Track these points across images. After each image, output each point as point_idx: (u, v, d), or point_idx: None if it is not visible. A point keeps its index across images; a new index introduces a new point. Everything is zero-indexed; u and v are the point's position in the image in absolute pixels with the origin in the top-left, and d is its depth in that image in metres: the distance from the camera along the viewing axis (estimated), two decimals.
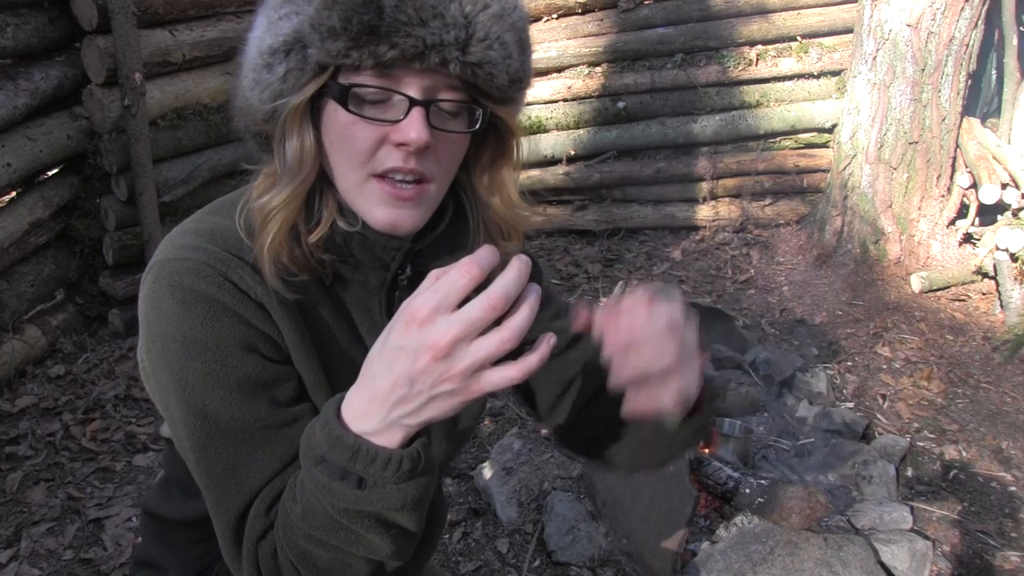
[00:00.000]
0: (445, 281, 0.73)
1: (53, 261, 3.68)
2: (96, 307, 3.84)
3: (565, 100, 5.22)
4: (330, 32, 0.84)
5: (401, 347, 0.73)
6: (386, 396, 0.75)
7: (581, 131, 5.25)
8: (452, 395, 0.74)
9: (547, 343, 0.75)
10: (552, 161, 5.23)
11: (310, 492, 0.83)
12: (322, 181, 0.96)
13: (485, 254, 0.73)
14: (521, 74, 0.93)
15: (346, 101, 0.88)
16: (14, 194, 3.60)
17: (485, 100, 0.93)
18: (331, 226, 0.96)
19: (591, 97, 5.20)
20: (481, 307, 0.71)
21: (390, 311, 1.04)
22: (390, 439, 0.78)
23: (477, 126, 0.93)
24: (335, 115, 0.90)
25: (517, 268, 0.72)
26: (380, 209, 0.92)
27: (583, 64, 5.22)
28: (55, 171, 3.73)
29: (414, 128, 0.87)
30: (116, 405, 3.32)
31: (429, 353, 0.71)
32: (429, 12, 0.84)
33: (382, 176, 0.91)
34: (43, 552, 2.57)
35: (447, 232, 1.04)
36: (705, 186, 5.14)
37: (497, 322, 0.73)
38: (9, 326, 3.38)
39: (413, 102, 0.87)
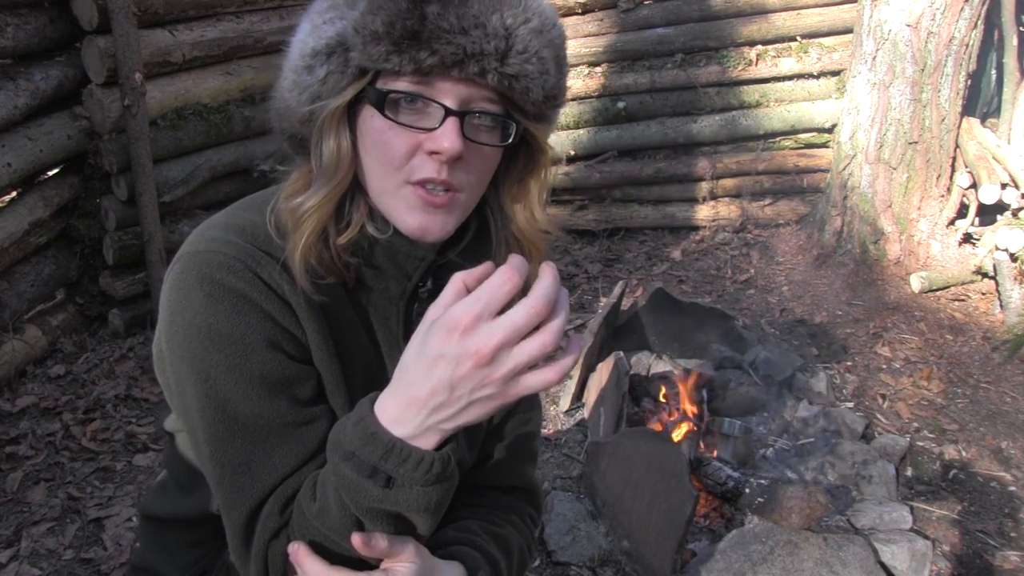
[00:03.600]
0: (487, 289, 0.74)
1: (53, 261, 3.68)
2: (96, 307, 3.84)
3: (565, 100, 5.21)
4: (373, 36, 0.85)
5: (441, 354, 0.74)
6: (424, 402, 0.77)
7: (581, 131, 5.25)
8: (490, 399, 0.75)
9: (576, 344, 0.77)
10: (552, 161, 5.22)
11: (332, 489, 0.84)
12: (354, 184, 0.96)
13: (520, 262, 0.75)
14: (556, 91, 0.95)
15: (383, 106, 0.89)
16: (14, 194, 3.60)
17: (519, 115, 0.94)
18: (359, 230, 0.96)
19: (591, 97, 5.20)
20: (526, 313, 0.72)
21: (407, 322, 1.05)
22: (424, 443, 0.79)
23: (510, 140, 0.94)
24: (371, 120, 0.91)
25: (552, 274, 0.75)
26: (411, 214, 0.93)
27: (583, 64, 5.22)
28: (55, 171, 3.72)
29: (447, 138, 0.88)
30: (116, 405, 3.32)
31: (472, 360, 0.73)
32: (471, 21, 0.85)
33: (415, 184, 0.92)
34: (43, 552, 2.57)
35: (469, 247, 1.05)
36: (705, 186, 5.14)
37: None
38: (9, 326, 3.38)
39: (448, 112, 0.88)
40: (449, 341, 0.74)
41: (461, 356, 0.73)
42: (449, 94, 0.88)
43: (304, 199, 0.93)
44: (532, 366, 0.74)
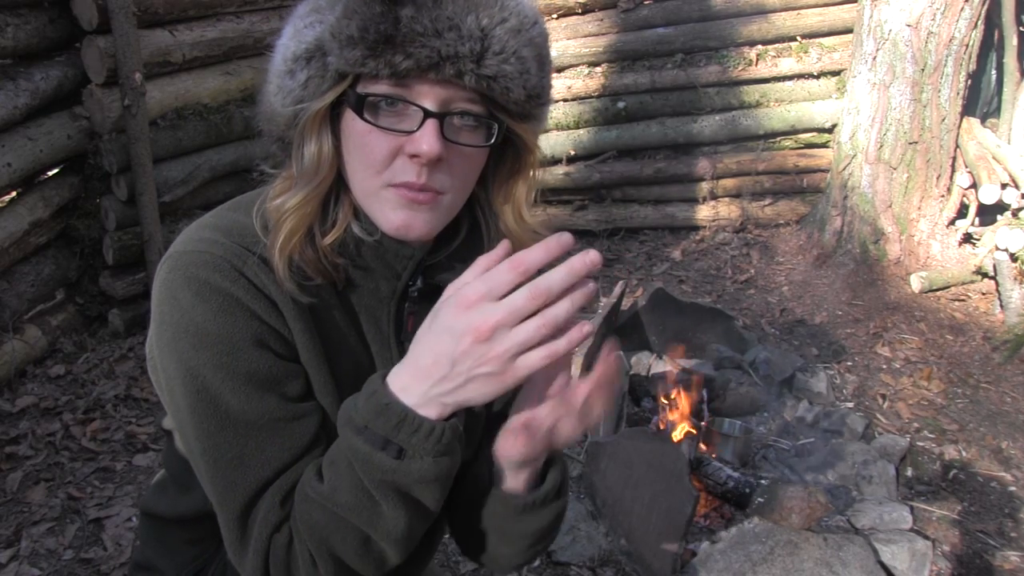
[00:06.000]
0: (494, 272, 0.77)
1: (53, 261, 3.68)
2: (96, 307, 3.84)
3: (565, 100, 5.22)
4: (348, 41, 0.86)
5: (448, 328, 0.78)
6: (428, 372, 0.80)
7: (581, 131, 5.25)
8: (490, 378, 0.78)
9: (578, 330, 0.78)
10: (552, 161, 5.23)
11: (343, 466, 0.86)
12: (339, 185, 0.97)
13: (535, 254, 0.76)
14: (539, 90, 0.94)
15: (362, 110, 0.89)
16: (14, 194, 3.59)
17: (502, 115, 0.93)
18: (345, 230, 0.97)
19: (591, 97, 5.20)
20: (524, 296, 0.75)
21: (398, 321, 1.05)
22: (427, 414, 0.82)
23: (492, 140, 0.94)
24: (352, 123, 0.91)
25: (569, 266, 0.76)
26: (394, 213, 0.93)
27: (583, 64, 5.22)
28: (55, 171, 3.72)
29: (426, 140, 0.88)
30: (116, 405, 3.32)
31: (472, 335, 0.76)
32: (445, 24, 0.85)
33: (396, 186, 0.92)
34: (43, 552, 2.57)
35: (461, 247, 1.05)
36: (705, 186, 5.14)
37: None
38: (9, 326, 3.38)
39: (428, 114, 0.88)
40: (456, 316, 0.77)
41: (464, 331, 0.76)
42: (428, 96, 0.88)
43: (284, 200, 0.93)
44: (529, 349, 0.76)
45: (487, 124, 0.93)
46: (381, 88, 0.88)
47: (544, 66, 0.94)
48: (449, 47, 0.85)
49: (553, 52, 5.32)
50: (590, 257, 0.75)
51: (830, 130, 5.00)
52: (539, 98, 0.95)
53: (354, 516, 0.87)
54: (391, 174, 0.91)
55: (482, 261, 0.80)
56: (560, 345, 0.76)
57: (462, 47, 0.85)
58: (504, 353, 0.76)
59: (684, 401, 3.04)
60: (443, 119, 0.89)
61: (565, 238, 0.77)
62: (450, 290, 0.81)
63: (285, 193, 0.95)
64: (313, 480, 0.90)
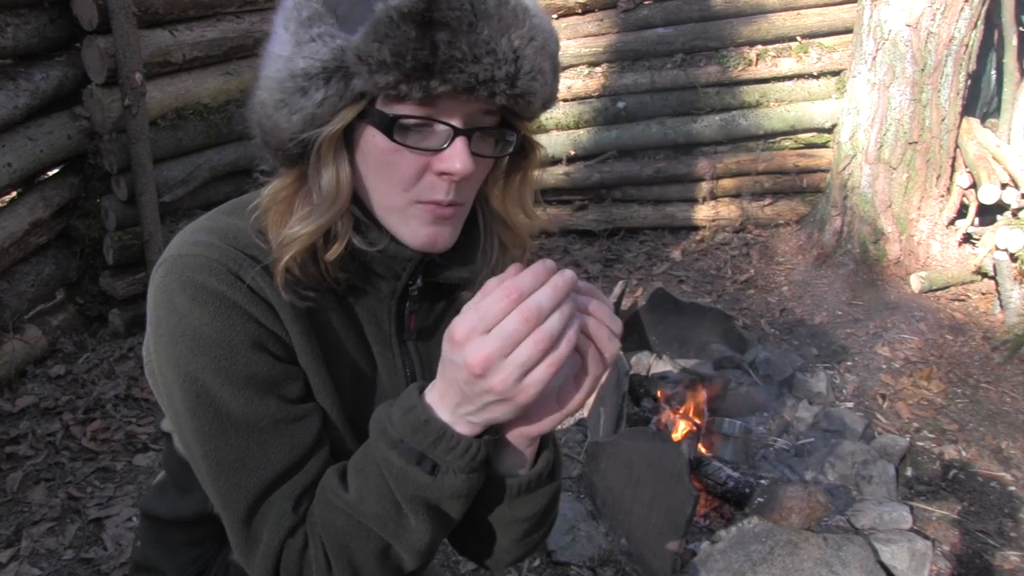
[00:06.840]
0: (484, 304, 0.77)
1: (53, 261, 3.68)
2: (96, 307, 3.84)
3: (565, 100, 5.22)
4: (380, 66, 0.82)
5: (448, 359, 0.79)
6: (447, 395, 0.82)
7: (581, 131, 5.25)
8: (502, 403, 0.78)
9: (574, 330, 0.78)
10: (552, 161, 5.23)
11: (373, 477, 0.86)
12: None
13: (528, 278, 0.76)
14: (551, 97, 0.95)
15: (391, 131, 0.87)
16: (14, 194, 3.60)
17: (516, 122, 0.94)
18: (347, 243, 0.95)
19: (591, 97, 5.20)
20: (516, 320, 0.75)
21: (399, 320, 1.05)
22: (461, 430, 0.83)
23: (511, 150, 0.95)
24: (372, 139, 0.89)
25: (553, 283, 0.76)
26: (421, 228, 0.93)
27: (583, 64, 5.22)
28: (55, 171, 3.73)
29: (459, 159, 0.87)
30: (116, 405, 3.33)
31: (466, 371, 0.76)
32: (482, 48, 0.83)
33: (423, 203, 0.92)
34: (43, 552, 2.57)
35: (458, 244, 1.04)
36: (705, 186, 5.14)
37: None
38: (9, 326, 3.38)
39: (457, 131, 0.87)
40: (450, 349, 0.78)
41: (460, 365, 0.77)
42: (456, 113, 0.87)
43: (301, 227, 0.91)
44: (533, 367, 0.76)
45: (500, 131, 0.94)
46: (409, 109, 0.86)
47: (557, 74, 0.95)
48: (487, 71, 0.84)
49: None
50: (568, 275, 0.77)
51: (830, 130, 5.00)
52: (550, 103, 0.96)
53: (379, 526, 0.87)
54: (419, 192, 0.91)
55: (490, 284, 0.79)
56: (561, 350, 0.76)
57: (498, 71, 0.84)
58: (505, 380, 0.75)
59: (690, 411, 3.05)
60: (470, 135, 0.89)
61: (550, 263, 0.78)
62: (451, 324, 0.80)
63: (287, 201, 0.93)
64: (337, 487, 0.90)
